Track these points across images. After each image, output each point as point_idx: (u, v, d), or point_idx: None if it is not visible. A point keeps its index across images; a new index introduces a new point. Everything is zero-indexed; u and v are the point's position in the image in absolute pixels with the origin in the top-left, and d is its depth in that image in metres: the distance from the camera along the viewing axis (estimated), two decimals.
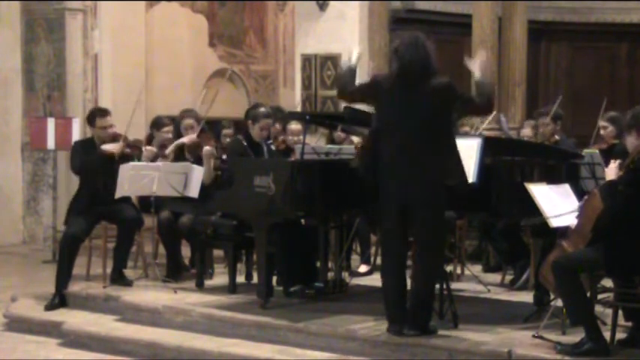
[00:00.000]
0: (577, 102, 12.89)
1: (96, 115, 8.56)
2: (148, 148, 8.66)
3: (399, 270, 6.62)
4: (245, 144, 8.06)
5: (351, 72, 6.81)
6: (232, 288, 8.03)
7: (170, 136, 9.12)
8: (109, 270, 8.51)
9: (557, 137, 8.80)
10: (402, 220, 6.56)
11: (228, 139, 9.40)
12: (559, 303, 6.48)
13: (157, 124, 9.24)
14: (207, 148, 8.56)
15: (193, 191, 8.34)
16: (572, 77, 13.20)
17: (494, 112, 8.30)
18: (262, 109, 8.23)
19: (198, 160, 8.61)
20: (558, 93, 13.05)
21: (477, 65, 6.61)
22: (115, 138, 8.51)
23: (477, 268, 8.96)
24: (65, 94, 11.93)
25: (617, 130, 8.62)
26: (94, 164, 8.33)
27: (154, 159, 8.61)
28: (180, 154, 8.79)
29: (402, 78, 6.50)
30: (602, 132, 9.01)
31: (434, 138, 6.45)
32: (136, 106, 9.06)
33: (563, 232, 6.51)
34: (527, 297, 7.51)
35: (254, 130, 8.09)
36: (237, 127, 9.61)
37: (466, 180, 6.55)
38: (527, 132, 9.09)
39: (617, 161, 6.29)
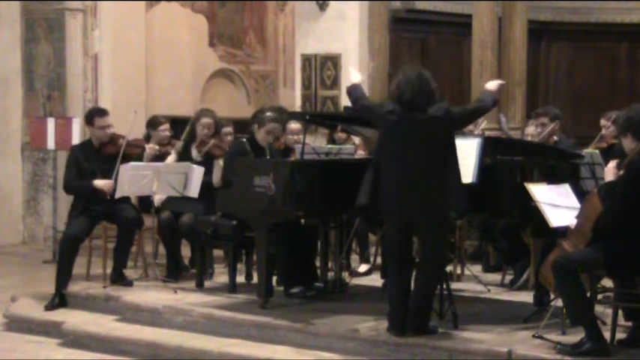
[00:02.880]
0: (577, 102, 12.90)
1: (95, 114, 8.54)
2: (150, 146, 8.64)
3: (402, 272, 6.65)
4: (248, 147, 8.04)
5: (359, 87, 6.87)
6: (232, 288, 8.03)
7: (167, 134, 9.11)
8: (109, 270, 8.51)
9: (555, 138, 8.79)
10: (406, 229, 6.63)
11: (229, 137, 9.40)
12: (559, 303, 6.48)
13: (152, 123, 9.23)
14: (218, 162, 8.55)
15: (193, 191, 8.33)
16: (572, 77, 13.19)
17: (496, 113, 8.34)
18: (269, 114, 8.21)
19: (207, 160, 8.59)
20: (558, 93, 13.10)
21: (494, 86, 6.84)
22: (113, 138, 8.50)
23: (477, 268, 8.96)
24: (65, 94, 11.92)
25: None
26: (89, 189, 8.33)
27: (155, 158, 8.59)
28: (184, 154, 8.79)
29: (403, 113, 6.51)
30: (603, 131, 9.01)
31: (437, 163, 6.49)
32: (135, 116, 9.03)
33: (564, 232, 6.51)
34: (527, 297, 7.52)
35: (259, 134, 8.07)
36: (235, 126, 9.61)
37: (466, 207, 6.62)
38: (531, 130, 9.07)
39: (615, 161, 6.30)
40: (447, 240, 6.96)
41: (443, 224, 6.65)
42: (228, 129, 9.46)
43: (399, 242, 6.64)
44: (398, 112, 6.51)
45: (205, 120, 8.88)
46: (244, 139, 8.19)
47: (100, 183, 8.30)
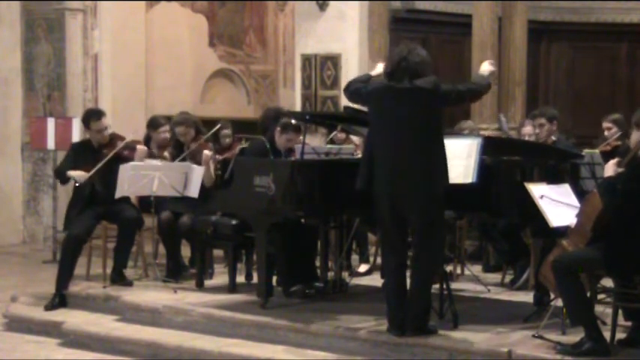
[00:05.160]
0: (577, 102, 12.90)
1: (90, 117, 8.51)
2: (140, 147, 8.60)
3: (398, 270, 6.64)
4: (268, 147, 8.02)
5: (366, 77, 6.93)
6: (232, 288, 8.03)
7: (167, 135, 9.10)
8: (109, 270, 8.52)
9: (553, 138, 8.78)
10: (400, 222, 6.59)
11: (227, 140, 9.39)
12: (559, 303, 6.48)
13: (153, 124, 9.22)
14: (206, 153, 8.55)
15: (193, 191, 8.33)
16: (572, 77, 13.19)
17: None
18: (293, 121, 8.16)
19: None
20: (558, 93, 13.10)
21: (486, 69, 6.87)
22: (113, 139, 8.49)
23: (477, 268, 8.97)
24: (65, 94, 11.92)
25: (621, 132, 8.65)
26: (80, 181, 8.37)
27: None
28: (179, 155, 8.78)
29: (391, 82, 6.55)
30: (605, 133, 9.01)
31: (425, 139, 6.48)
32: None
33: (564, 231, 6.51)
34: (527, 297, 7.52)
35: (280, 139, 8.03)
36: (233, 126, 9.61)
37: (446, 183, 6.56)
38: (528, 130, 9.07)
39: (616, 159, 6.30)
40: (443, 233, 6.89)
41: (433, 207, 6.53)
42: (227, 131, 9.46)
43: (394, 234, 6.59)
44: (382, 83, 6.60)
45: (178, 130, 8.86)
46: (264, 139, 8.16)
47: (73, 173, 8.33)
